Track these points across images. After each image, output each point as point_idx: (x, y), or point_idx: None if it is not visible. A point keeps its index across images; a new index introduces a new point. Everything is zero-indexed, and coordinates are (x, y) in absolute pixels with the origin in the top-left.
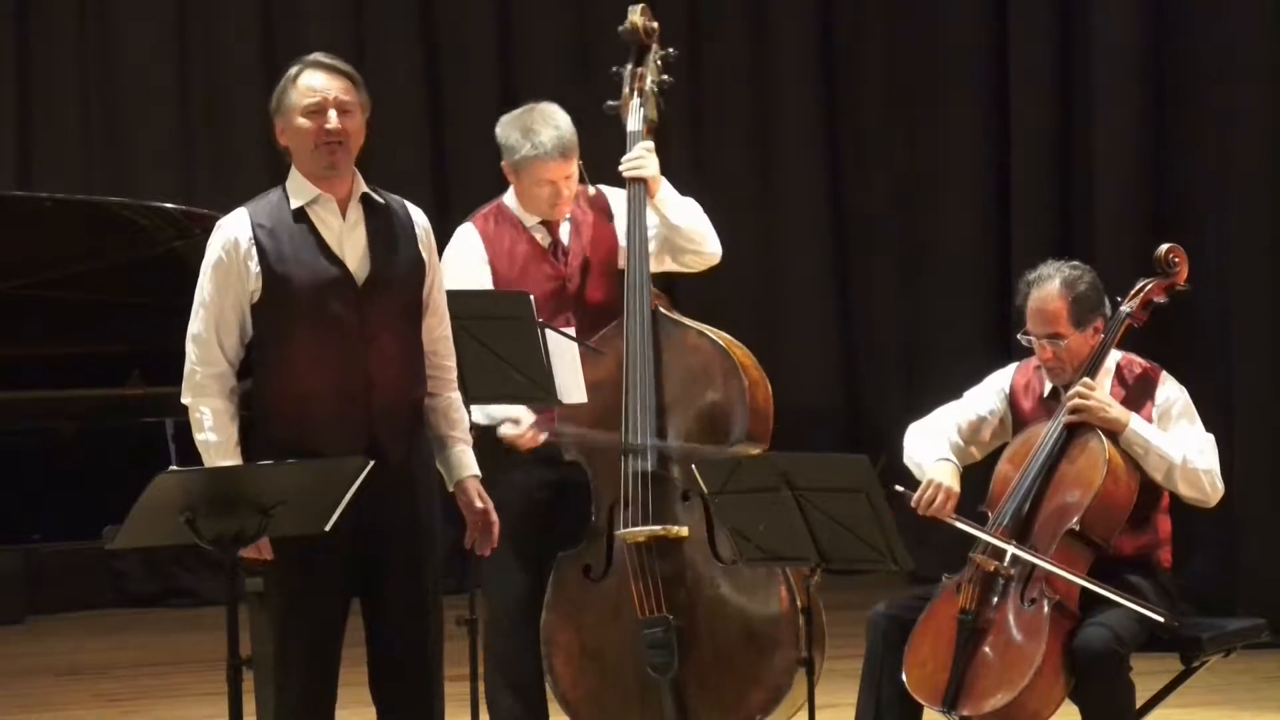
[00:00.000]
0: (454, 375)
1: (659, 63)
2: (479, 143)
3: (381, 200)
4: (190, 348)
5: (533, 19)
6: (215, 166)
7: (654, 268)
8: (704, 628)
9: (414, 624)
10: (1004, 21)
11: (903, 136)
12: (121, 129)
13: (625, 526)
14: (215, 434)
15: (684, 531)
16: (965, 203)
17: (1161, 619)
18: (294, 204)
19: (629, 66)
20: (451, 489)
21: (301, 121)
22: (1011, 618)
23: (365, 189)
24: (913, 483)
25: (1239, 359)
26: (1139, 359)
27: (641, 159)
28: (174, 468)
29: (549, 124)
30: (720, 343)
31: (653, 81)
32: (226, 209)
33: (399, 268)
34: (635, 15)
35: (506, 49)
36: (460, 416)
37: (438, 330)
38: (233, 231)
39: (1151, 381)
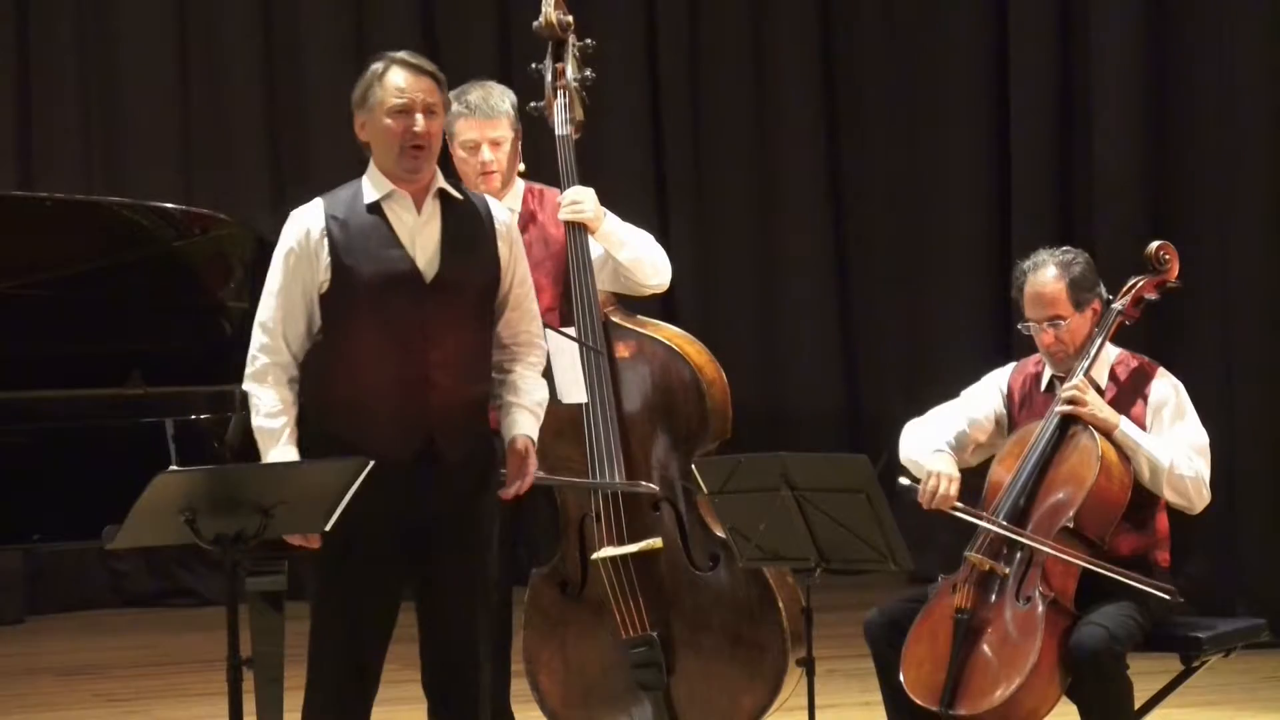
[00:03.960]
0: (535, 357)
1: (578, 56)
2: None
3: (459, 195)
4: (255, 334)
5: (533, 16)
6: (215, 166)
7: (603, 288)
8: (689, 637)
9: (464, 624)
10: (1004, 22)
11: (903, 137)
12: (121, 129)
13: (600, 547)
14: (271, 420)
15: (657, 543)
16: (965, 203)
17: (1166, 595)
18: (369, 198)
19: (548, 63)
20: (507, 444)
21: (387, 122)
22: (1007, 616)
23: (443, 184)
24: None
25: (1239, 358)
26: (1135, 355)
27: (580, 204)
28: (174, 468)
29: (480, 89)
30: (674, 346)
31: (574, 77)
32: (226, 209)
33: (471, 266)
34: (548, 9)
35: (506, 47)
36: (529, 388)
37: (519, 325)
38: (306, 222)
39: (1146, 378)
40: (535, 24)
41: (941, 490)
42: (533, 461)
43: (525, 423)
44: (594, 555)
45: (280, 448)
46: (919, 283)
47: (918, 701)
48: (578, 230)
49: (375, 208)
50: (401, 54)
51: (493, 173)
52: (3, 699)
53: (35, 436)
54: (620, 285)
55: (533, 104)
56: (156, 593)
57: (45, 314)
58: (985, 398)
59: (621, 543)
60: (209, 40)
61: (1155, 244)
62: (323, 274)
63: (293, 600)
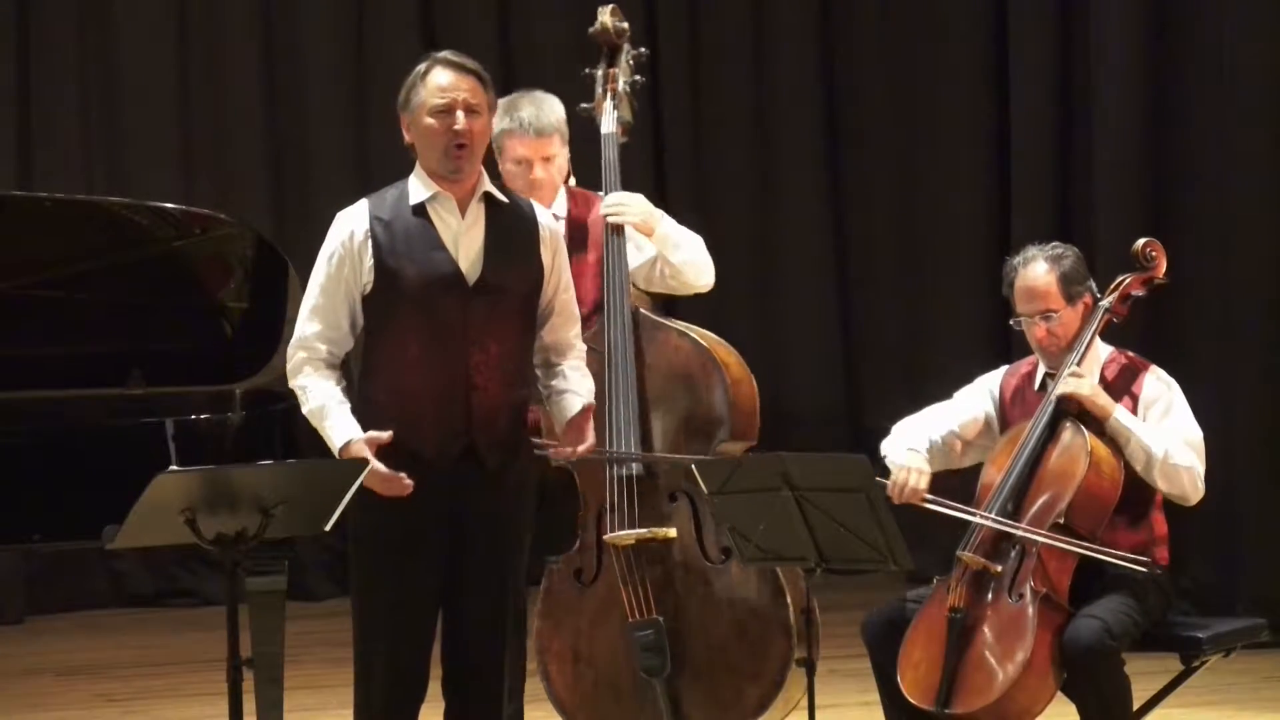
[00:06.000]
0: (579, 351)
1: (631, 63)
2: None
3: (505, 199)
4: (299, 333)
5: (533, 16)
6: (215, 166)
7: (649, 289)
8: (696, 628)
9: (490, 627)
10: (1004, 21)
11: (903, 137)
12: (121, 129)
13: (612, 530)
14: (314, 401)
15: (671, 533)
16: (965, 202)
17: (1144, 569)
18: (414, 200)
19: (601, 68)
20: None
21: (429, 121)
22: (1001, 613)
23: (488, 187)
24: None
25: (1239, 358)
26: (1126, 353)
27: (624, 206)
28: (174, 468)
29: (532, 103)
30: (702, 342)
31: (625, 82)
32: (226, 209)
33: (513, 271)
34: (605, 16)
35: (506, 45)
36: (579, 378)
37: (560, 331)
38: (350, 223)
39: (1136, 375)
40: (591, 29)
41: (911, 484)
42: (591, 432)
43: (579, 403)
44: (605, 536)
45: (334, 418)
46: (919, 283)
47: (914, 702)
48: (615, 232)
49: (420, 210)
50: (445, 53)
51: (544, 187)
52: (3, 699)
53: (35, 436)
54: (666, 286)
55: (582, 105)
56: (156, 593)
57: (45, 314)
58: (975, 399)
59: (632, 525)
60: (209, 40)
61: (1142, 241)
62: (366, 275)
63: (293, 600)
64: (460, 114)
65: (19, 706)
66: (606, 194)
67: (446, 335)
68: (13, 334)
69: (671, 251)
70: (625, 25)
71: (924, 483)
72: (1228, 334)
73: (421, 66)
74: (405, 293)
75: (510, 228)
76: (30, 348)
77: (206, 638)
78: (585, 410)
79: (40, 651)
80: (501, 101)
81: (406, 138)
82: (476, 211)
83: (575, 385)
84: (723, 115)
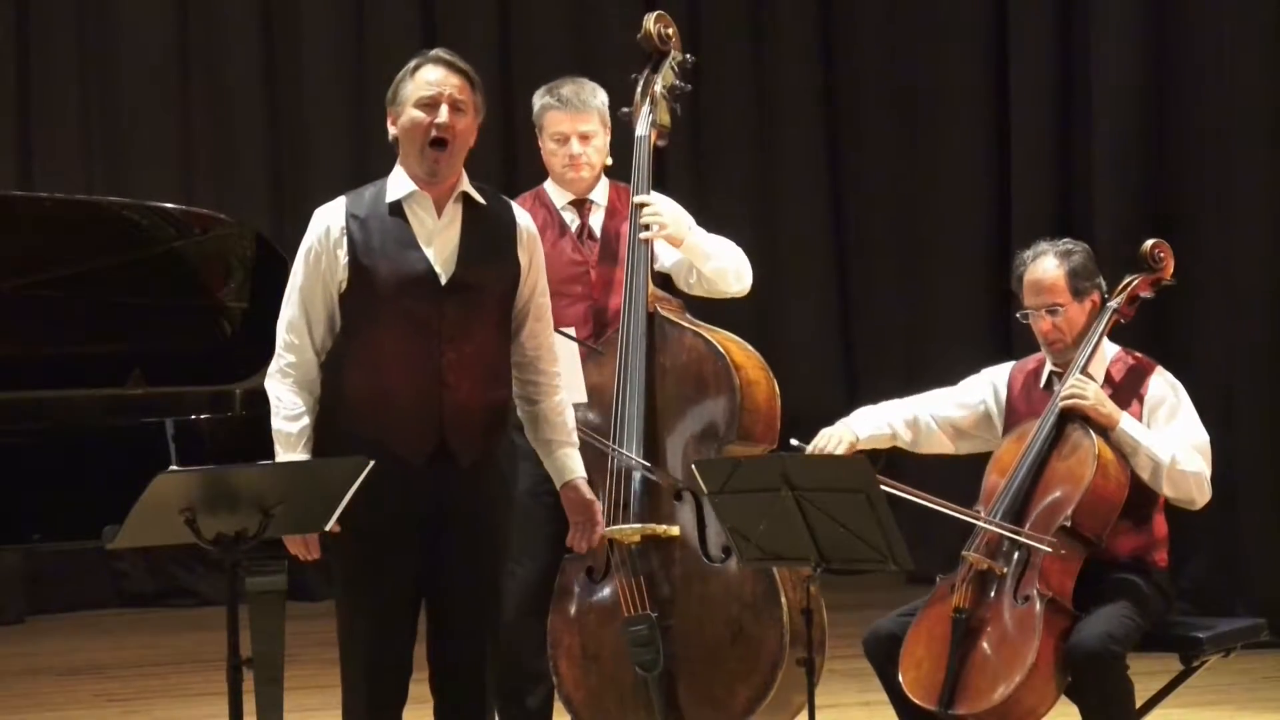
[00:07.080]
0: (558, 380)
1: (675, 68)
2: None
3: (483, 201)
4: (280, 332)
5: (533, 16)
6: (215, 166)
7: (689, 291)
8: (692, 626)
9: (473, 624)
10: (1004, 21)
11: (903, 136)
12: (121, 129)
13: (613, 525)
14: (289, 424)
15: (674, 531)
16: (965, 202)
17: (1049, 549)
18: (391, 197)
19: (645, 73)
20: (560, 488)
21: (413, 113)
22: (1005, 615)
23: (467, 188)
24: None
25: (1239, 358)
26: (1134, 354)
27: (654, 216)
28: (174, 468)
29: (573, 83)
30: (715, 343)
31: (663, 87)
32: (226, 209)
33: (488, 270)
34: (649, 22)
35: (506, 42)
36: (563, 420)
37: (540, 336)
38: (327, 220)
39: (1143, 376)
40: (638, 35)
41: (829, 449)
42: (598, 506)
43: (575, 462)
44: (604, 530)
45: (296, 454)
46: (919, 282)
47: (916, 702)
48: (638, 235)
49: (396, 208)
50: (437, 51)
51: (581, 165)
52: (3, 699)
53: (35, 436)
54: (703, 290)
55: (623, 109)
56: (156, 593)
57: (45, 314)
58: (975, 389)
59: (636, 521)
60: (209, 40)
61: (1150, 242)
62: (341, 273)
63: (293, 600)
64: (444, 108)
65: (19, 706)
66: (635, 196)
67: (419, 334)
68: (13, 334)
69: (702, 262)
70: (671, 31)
71: (840, 449)
72: (1228, 335)
73: (413, 63)
74: (379, 291)
75: (487, 228)
76: (30, 348)
77: (206, 638)
78: (585, 485)
79: (40, 651)
80: (544, 85)
81: (391, 132)
82: (453, 211)
83: (563, 433)
84: (723, 115)
